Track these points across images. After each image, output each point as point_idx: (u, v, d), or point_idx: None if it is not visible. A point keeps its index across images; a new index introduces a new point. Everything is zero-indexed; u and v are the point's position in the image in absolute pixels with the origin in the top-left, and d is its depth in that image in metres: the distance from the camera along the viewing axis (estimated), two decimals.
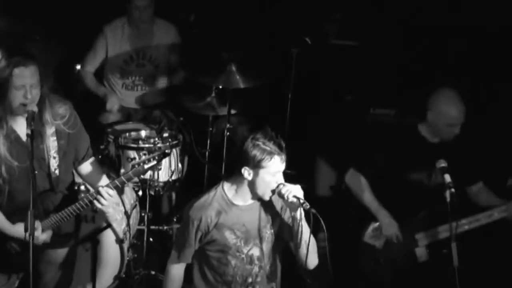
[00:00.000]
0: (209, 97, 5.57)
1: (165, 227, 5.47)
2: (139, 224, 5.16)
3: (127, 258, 4.86)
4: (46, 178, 3.80)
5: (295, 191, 3.52)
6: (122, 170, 5.03)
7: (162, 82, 5.97)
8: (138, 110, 5.95)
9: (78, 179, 4.11)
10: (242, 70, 5.32)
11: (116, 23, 5.80)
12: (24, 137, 3.70)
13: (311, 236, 3.61)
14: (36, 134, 3.66)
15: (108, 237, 4.69)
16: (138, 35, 5.80)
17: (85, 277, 4.47)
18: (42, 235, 3.79)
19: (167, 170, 5.16)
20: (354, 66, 6.09)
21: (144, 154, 3.89)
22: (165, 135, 5.16)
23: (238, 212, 3.68)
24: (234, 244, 3.69)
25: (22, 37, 5.72)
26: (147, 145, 5.07)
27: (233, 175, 3.66)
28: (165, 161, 5.07)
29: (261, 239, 3.72)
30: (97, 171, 4.04)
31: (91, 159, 4.02)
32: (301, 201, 3.50)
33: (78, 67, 5.84)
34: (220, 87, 5.49)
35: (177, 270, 3.77)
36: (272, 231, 3.75)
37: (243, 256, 3.72)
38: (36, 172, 3.70)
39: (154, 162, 3.79)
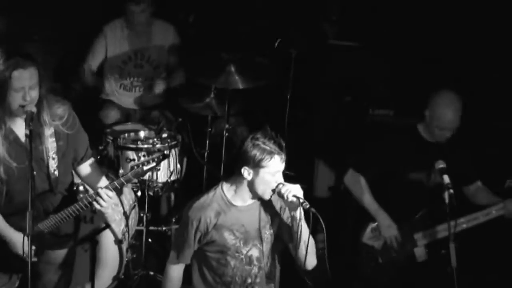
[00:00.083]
0: (208, 98, 5.56)
1: (164, 228, 5.46)
2: (138, 225, 5.16)
3: (126, 259, 4.85)
4: (45, 179, 3.80)
5: (294, 190, 3.52)
6: (121, 171, 5.03)
7: (160, 83, 5.96)
8: (137, 111, 5.95)
9: (76, 180, 4.11)
10: (241, 70, 5.32)
11: (116, 23, 5.81)
12: (23, 138, 3.69)
13: (310, 236, 3.61)
14: (34, 135, 3.65)
15: (107, 238, 4.69)
16: (136, 36, 5.80)
17: (83, 277, 4.47)
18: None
19: (166, 171, 5.16)
20: (353, 67, 6.09)
21: (144, 156, 3.89)
22: (164, 135, 5.16)
23: (237, 212, 3.68)
24: (233, 244, 3.69)
25: (20, 37, 5.72)
26: (146, 146, 5.07)
27: (233, 176, 3.66)
28: (164, 162, 5.06)
29: (260, 239, 3.72)
30: (97, 172, 4.04)
31: (91, 160, 4.02)
32: (301, 200, 3.50)
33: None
34: (219, 87, 5.48)
35: (176, 271, 3.77)
36: (272, 231, 3.75)
37: (242, 256, 3.72)
38: (35, 173, 3.69)
39: (154, 164, 3.79)
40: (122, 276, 4.85)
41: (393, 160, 4.51)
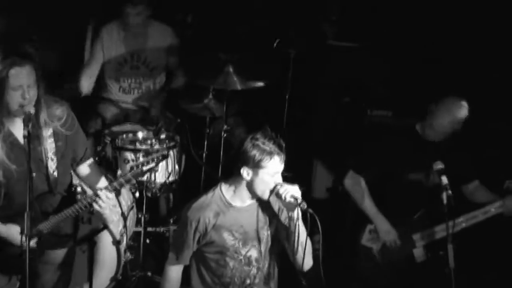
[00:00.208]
0: (206, 99, 5.56)
1: (162, 229, 5.46)
2: (136, 226, 5.16)
3: (124, 260, 4.85)
4: (44, 180, 3.79)
5: (292, 191, 3.52)
6: (119, 172, 5.02)
7: (158, 85, 5.96)
8: (135, 111, 5.94)
9: (75, 181, 4.10)
10: (239, 71, 5.32)
11: (112, 25, 5.80)
12: (21, 140, 3.68)
13: (307, 237, 3.61)
14: (33, 136, 3.64)
15: (105, 239, 4.69)
16: (132, 37, 5.79)
17: (82, 278, 4.47)
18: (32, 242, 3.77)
19: (164, 171, 5.15)
20: (352, 68, 6.09)
21: (144, 156, 3.88)
22: (162, 136, 5.16)
23: (236, 213, 3.67)
24: (232, 245, 3.69)
25: (19, 37, 5.71)
26: (144, 147, 5.07)
27: (232, 176, 3.66)
28: (162, 163, 5.05)
29: (259, 240, 3.72)
30: (96, 172, 4.03)
31: (90, 161, 4.01)
32: (299, 201, 3.50)
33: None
34: (218, 88, 5.48)
35: (175, 272, 3.77)
36: (270, 232, 3.75)
37: (241, 257, 3.72)
38: (34, 174, 3.68)
39: (153, 164, 3.78)
40: (120, 277, 4.85)
41: (392, 160, 4.51)
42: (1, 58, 3.58)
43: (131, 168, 3.80)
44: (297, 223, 3.59)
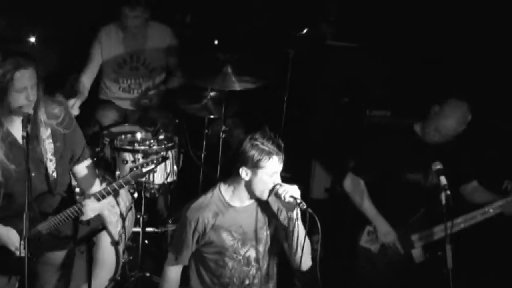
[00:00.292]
0: (204, 99, 5.56)
1: (161, 229, 5.46)
2: (134, 226, 5.16)
3: (123, 260, 4.86)
4: (43, 180, 3.79)
5: (292, 191, 3.52)
6: (118, 173, 5.02)
7: (156, 83, 5.96)
8: (134, 112, 5.95)
9: (74, 182, 4.10)
10: (238, 71, 5.32)
11: (111, 26, 5.79)
12: (20, 140, 3.68)
13: (306, 237, 3.61)
14: (32, 136, 3.64)
15: (103, 239, 4.69)
16: (131, 38, 5.78)
17: (80, 279, 4.47)
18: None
19: (162, 172, 5.15)
20: (351, 68, 6.09)
21: (143, 158, 3.89)
22: (161, 137, 5.16)
23: (235, 213, 3.68)
24: (231, 245, 3.69)
25: (17, 37, 5.71)
26: (142, 147, 5.06)
27: (231, 176, 3.66)
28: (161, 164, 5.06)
29: (258, 240, 3.72)
30: (91, 175, 3.99)
31: (87, 162, 3.99)
32: (298, 201, 3.50)
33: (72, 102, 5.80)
34: (216, 89, 5.48)
35: (174, 272, 3.77)
36: (269, 232, 3.75)
37: (240, 257, 3.72)
38: (33, 174, 3.69)
39: (153, 166, 3.79)
40: (119, 278, 4.85)
41: (391, 161, 4.51)
42: (1, 59, 3.57)
43: (131, 169, 3.81)
44: (296, 223, 3.59)
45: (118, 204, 4.88)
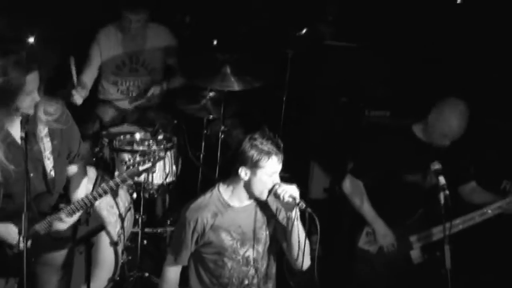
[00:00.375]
0: (203, 100, 5.56)
1: (159, 230, 5.46)
2: (133, 227, 5.16)
3: (121, 261, 4.86)
4: (42, 180, 3.79)
5: (291, 191, 3.52)
6: (117, 173, 5.02)
7: (155, 84, 5.96)
8: (133, 112, 5.94)
9: None
10: (237, 72, 5.32)
11: (109, 28, 5.78)
12: (19, 140, 3.68)
13: (306, 237, 3.62)
14: (30, 135, 3.64)
15: (102, 240, 4.69)
16: (130, 40, 5.77)
17: (79, 279, 4.47)
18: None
19: (161, 172, 5.15)
20: (349, 68, 6.09)
21: (141, 157, 3.88)
22: (160, 137, 5.16)
23: (234, 213, 3.68)
24: (230, 246, 3.69)
25: (16, 39, 5.70)
26: (141, 148, 5.06)
27: (230, 176, 3.66)
28: (159, 164, 5.06)
29: (257, 240, 3.73)
30: (79, 176, 3.97)
31: (81, 165, 3.98)
32: (297, 200, 3.50)
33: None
34: (215, 89, 5.48)
35: (173, 273, 3.77)
36: (268, 232, 3.75)
37: (239, 258, 3.72)
38: (32, 174, 3.69)
39: (149, 165, 3.78)
40: (118, 278, 4.86)
41: (390, 162, 4.50)
42: (6, 60, 3.55)
43: (127, 167, 3.80)
44: (295, 223, 3.59)
45: (117, 204, 4.88)
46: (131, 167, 3.78)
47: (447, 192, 4.15)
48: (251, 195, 3.64)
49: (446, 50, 5.89)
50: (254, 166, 3.52)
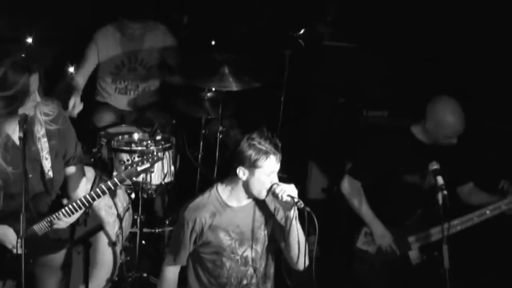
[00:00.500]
0: (202, 100, 5.56)
1: (158, 230, 5.46)
2: (131, 227, 5.16)
3: (120, 261, 4.86)
4: (40, 180, 3.79)
5: (289, 190, 3.53)
6: (115, 173, 5.02)
7: (154, 84, 5.96)
8: (131, 112, 5.95)
9: None
10: (235, 72, 5.31)
11: (107, 28, 5.78)
12: (17, 141, 3.68)
13: (304, 236, 3.62)
14: (28, 136, 3.64)
15: (100, 240, 4.69)
16: (129, 40, 5.77)
17: (77, 279, 4.47)
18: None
19: (159, 173, 5.15)
20: (348, 68, 6.10)
21: (139, 157, 3.88)
22: (158, 138, 5.16)
23: (232, 213, 3.68)
24: (228, 245, 3.69)
25: (15, 39, 5.70)
26: (139, 148, 5.06)
27: (228, 176, 3.66)
28: (157, 164, 5.04)
29: (255, 240, 3.73)
30: (78, 177, 3.97)
31: (78, 166, 3.98)
32: (295, 200, 3.50)
33: (71, 69, 5.79)
34: (213, 89, 5.48)
35: (172, 273, 3.77)
36: (266, 232, 3.75)
37: (238, 257, 3.72)
38: (30, 175, 3.68)
39: (148, 165, 3.78)
40: (116, 278, 4.85)
41: (389, 163, 4.50)
42: (13, 61, 3.55)
43: (126, 167, 3.80)
44: (293, 223, 3.59)
45: (115, 205, 4.88)
46: (129, 167, 3.77)
47: (445, 192, 4.15)
48: (249, 195, 3.64)
49: (445, 50, 5.89)
50: (252, 166, 3.52)
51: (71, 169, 3.95)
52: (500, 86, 5.61)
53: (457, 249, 4.29)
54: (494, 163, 5.27)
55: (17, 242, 3.65)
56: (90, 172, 4.77)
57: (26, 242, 3.52)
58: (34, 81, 3.55)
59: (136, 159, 3.80)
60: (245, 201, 3.69)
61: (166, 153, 5.14)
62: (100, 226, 4.60)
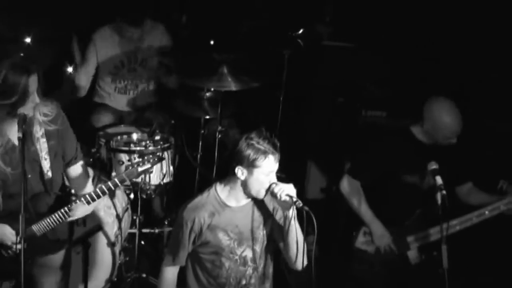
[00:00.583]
0: (201, 100, 5.56)
1: (157, 230, 5.46)
2: (130, 227, 5.15)
3: (119, 261, 4.86)
4: (39, 180, 3.79)
5: (287, 189, 3.53)
6: (113, 173, 5.02)
7: (152, 83, 5.96)
8: (130, 113, 5.94)
9: (68, 183, 4.09)
10: (234, 72, 5.31)
11: (105, 29, 5.78)
12: (16, 141, 3.68)
13: (302, 236, 3.62)
14: (27, 136, 3.64)
15: (99, 240, 4.69)
16: (127, 40, 5.77)
17: (76, 280, 4.47)
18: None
19: (158, 173, 5.14)
20: (346, 68, 6.10)
21: (139, 158, 3.88)
22: (157, 138, 5.16)
23: (231, 213, 3.68)
24: (227, 245, 3.69)
25: (14, 39, 5.70)
26: (138, 148, 5.05)
27: (227, 176, 3.66)
28: (157, 164, 5.05)
29: (254, 240, 3.73)
30: (83, 176, 3.98)
31: (80, 163, 3.99)
32: (294, 199, 3.50)
33: (70, 69, 5.79)
34: (212, 89, 5.48)
35: (171, 273, 3.77)
36: (265, 232, 3.75)
37: (237, 257, 3.72)
38: (29, 176, 3.68)
39: (148, 166, 3.79)
40: (115, 279, 4.85)
41: (388, 163, 4.50)
42: (12, 62, 3.55)
43: (126, 168, 3.81)
44: (292, 222, 3.59)
45: (114, 205, 4.88)
46: (130, 168, 3.78)
47: (444, 192, 4.15)
48: (248, 194, 3.64)
49: (444, 50, 5.89)
50: (250, 165, 3.53)
51: (77, 170, 3.95)
52: (500, 86, 5.61)
53: (456, 249, 4.29)
54: (493, 163, 5.27)
55: (16, 239, 3.65)
56: (89, 172, 4.77)
57: (25, 242, 3.52)
58: (33, 82, 3.55)
59: (137, 159, 3.80)
60: (244, 201, 3.69)
61: (165, 153, 5.14)
62: (99, 227, 4.60)
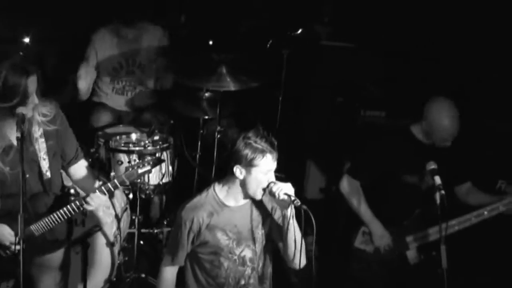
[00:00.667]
0: (199, 100, 5.56)
1: (156, 230, 5.46)
2: (129, 227, 5.15)
3: (118, 262, 4.85)
4: (38, 180, 3.79)
5: (286, 188, 3.53)
6: (112, 173, 5.00)
7: (150, 84, 5.96)
8: (128, 113, 5.94)
9: (67, 183, 4.09)
10: (232, 72, 5.31)
11: (104, 31, 5.78)
12: (14, 141, 3.68)
13: (301, 235, 3.62)
14: (25, 136, 3.64)
15: (98, 241, 4.68)
16: (126, 43, 5.78)
17: (75, 280, 4.46)
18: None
19: (157, 173, 5.14)
20: (345, 68, 6.10)
21: (139, 158, 3.87)
22: (156, 138, 5.16)
23: (229, 213, 3.68)
24: (226, 245, 3.69)
25: (13, 39, 5.70)
26: (137, 148, 5.06)
27: (225, 176, 3.66)
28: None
29: (253, 240, 3.73)
30: (89, 174, 4.00)
31: (82, 162, 4.00)
32: (292, 198, 3.50)
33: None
34: (211, 89, 5.48)
35: (170, 273, 3.77)
36: (264, 231, 3.75)
37: (236, 257, 3.72)
38: (28, 176, 3.68)
39: (148, 167, 3.79)
40: (114, 279, 4.85)
41: (388, 163, 4.50)
42: (12, 63, 3.55)
43: (126, 169, 3.81)
44: (290, 222, 3.59)
45: (113, 205, 4.87)
46: (129, 169, 3.78)
47: (443, 192, 4.15)
48: (246, 194, 3.64)
49: (443, 50, 5.89)
50: (248, 164, 3.53)
51: (81, 171, 3.95)
52: (499, 86, 5.61)
53: (455, 249, 4.29)
54: (492, 163, 5.27)
55: (15, 240, 3.65)
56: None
57: (23, 242, 3.52)
58: (32, 83, 3.56)
59: (137, 161, 3.80)
60: (243, 201, 3.69)
61: (164, 153, 5.14)
62: (98, 227, 4.60)
